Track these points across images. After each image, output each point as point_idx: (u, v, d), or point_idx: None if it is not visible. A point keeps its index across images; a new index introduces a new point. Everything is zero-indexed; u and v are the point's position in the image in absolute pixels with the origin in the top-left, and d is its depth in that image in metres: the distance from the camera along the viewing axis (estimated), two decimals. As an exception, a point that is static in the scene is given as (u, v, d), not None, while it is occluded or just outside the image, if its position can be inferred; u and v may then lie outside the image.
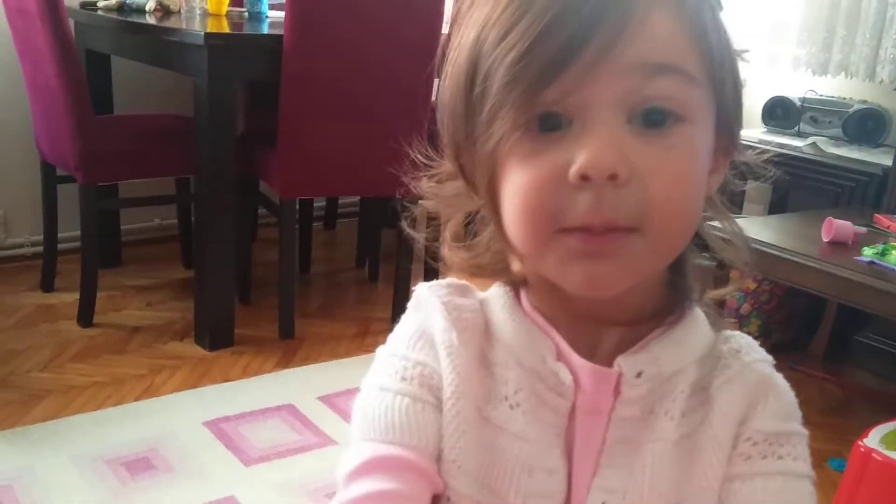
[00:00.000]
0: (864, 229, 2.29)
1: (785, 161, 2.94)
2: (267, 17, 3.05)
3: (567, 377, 0.62)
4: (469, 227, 0.69)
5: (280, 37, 2.45)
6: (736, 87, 0.60)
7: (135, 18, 2.78)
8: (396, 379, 0.64)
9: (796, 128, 3.12)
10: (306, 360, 2.58)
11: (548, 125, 0.55)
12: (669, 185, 0.54)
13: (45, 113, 2.69)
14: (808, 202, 3.08)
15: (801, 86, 3.19)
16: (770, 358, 0.66)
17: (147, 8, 2.90)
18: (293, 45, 2.44)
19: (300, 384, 2.41)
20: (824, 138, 3.01)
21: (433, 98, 0.55)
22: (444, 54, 0.62)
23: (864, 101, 3.04)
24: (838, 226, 2.22)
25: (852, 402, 2.59)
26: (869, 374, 2.73)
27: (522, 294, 0.66)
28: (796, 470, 0.63)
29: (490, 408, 0.63)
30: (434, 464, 0.63)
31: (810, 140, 2.97)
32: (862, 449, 1.71)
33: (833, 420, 2.43)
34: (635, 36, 0.53)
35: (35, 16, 2.45)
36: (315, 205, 3.44)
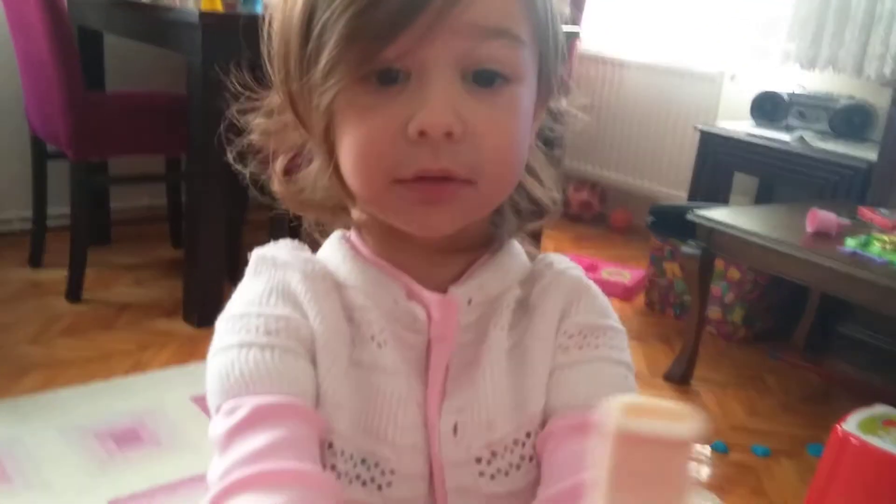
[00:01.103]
0: (847, 220, 2.31)
1: (772, 154, 2.98)
2: (261, -2, 3.05)
3: (421, 313, 0.64)
4: (297, 160, 0.69)
5: (274, 17, 2.46)
6: (556, 40, 0.63)
7: (129, -4, 2.78)
8: (259, 334, 0.61)
9: (784, 122, 3.15)
10: (293, 340, 2.59)
11: (386, 79, 0.56)
12: (500, 143, 0.58)
13: (36, 89, 2.69)
14: (793, 195, 3.11)
15: (789, 81, 3.22)
16: (580, 268, 0.71)
17: (141, -14, 2.90)
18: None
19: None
20: (811, 132, 3.04)
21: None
22: None
23: (851, 97, 3.08)
24: (822, 216, 2.24)
25: (832, 391, 2.63)
26: (849, 366, 2.76)
27: (357, 242, 0.68)
28: (612, 356, 0.67)
29: (359, 351, 0.64)
30: (314, 408, 0.61)
31: (797, 134, 3.00)
32: (840, 433, 1.74)
33: (813, 408, 2.47)
34: None
35: (29, -10, 2.45)
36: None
